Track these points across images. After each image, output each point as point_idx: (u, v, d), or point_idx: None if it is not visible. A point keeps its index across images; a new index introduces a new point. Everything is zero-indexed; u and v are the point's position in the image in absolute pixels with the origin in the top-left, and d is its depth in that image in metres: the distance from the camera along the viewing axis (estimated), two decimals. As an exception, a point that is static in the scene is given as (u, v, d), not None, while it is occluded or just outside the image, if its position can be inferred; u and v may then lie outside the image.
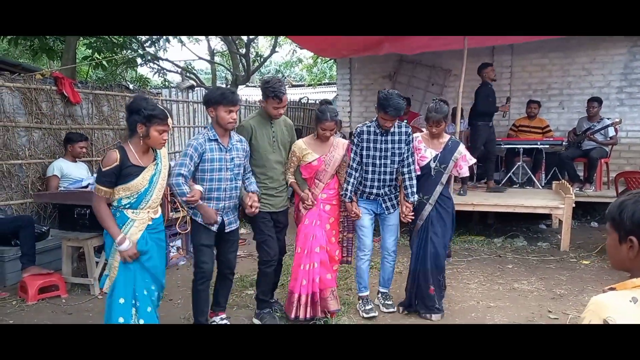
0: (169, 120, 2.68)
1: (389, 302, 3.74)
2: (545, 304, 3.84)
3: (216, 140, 3.08)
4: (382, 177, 3.52)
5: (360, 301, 3.69)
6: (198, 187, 3.00)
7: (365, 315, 3.59)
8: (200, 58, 14.71)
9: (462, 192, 6.06)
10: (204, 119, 8.09)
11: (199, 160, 3.03)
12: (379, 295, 3.81)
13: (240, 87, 12.87)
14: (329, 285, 3.45)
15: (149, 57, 12.01)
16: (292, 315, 3.39)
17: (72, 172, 4.92)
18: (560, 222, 5.56)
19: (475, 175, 7.60)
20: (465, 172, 3.69)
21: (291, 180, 3.51)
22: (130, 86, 8.44)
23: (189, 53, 21.27)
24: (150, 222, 2.73)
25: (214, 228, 3.13)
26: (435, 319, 3.56)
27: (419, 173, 3.59)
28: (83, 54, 11.53)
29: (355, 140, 3.52)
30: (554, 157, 7.09)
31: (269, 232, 3.41)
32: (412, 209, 3.55)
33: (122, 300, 2.60)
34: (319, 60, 16.79)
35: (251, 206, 3.23)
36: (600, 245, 5.35)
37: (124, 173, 2.59)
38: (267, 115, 3.38)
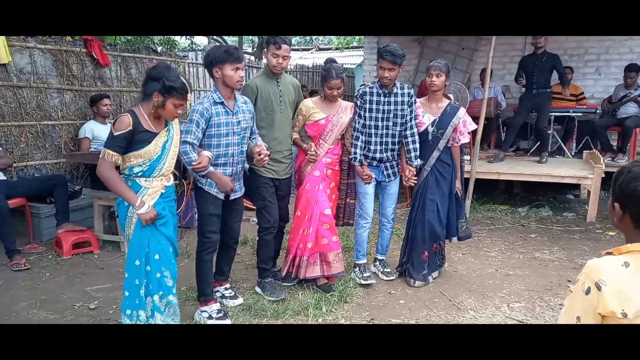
0: (189, 95, 2.56)
1: (388, 270, 3.76)
2: (565, 274, 3.83)
3: (222, 103, 2.90)
4: (384, 139, 3.48)
5: (357, 269, 3.69)
6: (206, 153, 2.82)
7: (362, 282, 3.57)
8: (227, 20, 14.61)
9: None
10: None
11: (206, 126, 2.86)
12: (377, 262, 3.83)
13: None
14: (334, 249, 3.42)
15: (177, 19, 11.98)
16: (284, 273, 3.49)
17: (102, 134, 5.07)
18: (589, 192, 5.45)
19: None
20: (465, 138, 3.59)
21: (295, 136, 3.46)
22: (158, 49, 8.49)
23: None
24: (163, 190, 2.62)
25: (221, 196, 2.98)
26: (418, 284, 3.57)
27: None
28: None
29: (359, 102, 3.48)
30: (587, 125, 6.86)
31: (270, 198, 3.33)
32: (415, 172, 3.52)
33: (137, 262, 2.56)
34: (347, 22, 16.40)
35: (259, 153, 3.02)
36: (629, 217, 5.23)
37: (136, 139, 2.46)
38: (272, 73, 3.28)
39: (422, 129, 3.53)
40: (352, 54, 16.03)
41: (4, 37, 4.55)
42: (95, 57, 5.45)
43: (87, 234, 4.36)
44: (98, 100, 5.13)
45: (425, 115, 3.54)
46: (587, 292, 1.17)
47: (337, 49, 17.47)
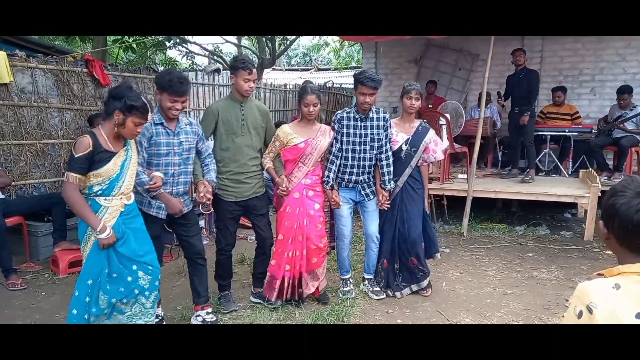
0: (149, 115, 2.65)
1: (377, 289, 3.75)
2: (562, 293, 3.82)
3: (162, 124, 2.96)
4: (361, 163, 3.54)
5: (342, 282, 3.80)
6: (158, 174, 2.89)
7: (348, 296, 3.69)
8: (227, 41, 14.79)
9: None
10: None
11: (148, 146, 2.92)
12: (365, 282, 3.82)
13: (266, 70, 12.90)
14: (315, 267, 3.50)
15: (178, 40, 12.15)
16: (273, 299, 3.47)
17: (101, 153, 5.11)
18: (586, 211, 5.46)
19: (500, 162, 7.52)
20: (439, 156, 3.76)
21: (268, 166, 3.44)
22: (160, 69, 8.59)
23: (217, 36, 21.42)
24: (122, 209, 2.66)
25: (162, 215, 3.01)
26: (425, 284, 3.75)
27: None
28: (114, 36, 11.75)
29: (336, 127, 3.53)
30: (582, 144, 6.92)
31: (225, 223, 3.39)
32: (388, 197, 3.61)
33: (90, 282, 2.58)
34: (345, 43, 16.66)
35: (203, 196, 3.08)
36: (626, 236, 5.23)
37: (95, 159, 2.53)
38: (238, 96, 3.31)
39: (395, 147, 3.64)
40: (350, 74, 16.20)
41: (5, 57, 4.62)
42: (96, 77, 5.52)
43: (84, 252, 4.35)
44: (96, 121, 5.16)
45: (399, 135, 3.67)
46: (579, 315, 1.15)
47: (335, 69, 17.65)
